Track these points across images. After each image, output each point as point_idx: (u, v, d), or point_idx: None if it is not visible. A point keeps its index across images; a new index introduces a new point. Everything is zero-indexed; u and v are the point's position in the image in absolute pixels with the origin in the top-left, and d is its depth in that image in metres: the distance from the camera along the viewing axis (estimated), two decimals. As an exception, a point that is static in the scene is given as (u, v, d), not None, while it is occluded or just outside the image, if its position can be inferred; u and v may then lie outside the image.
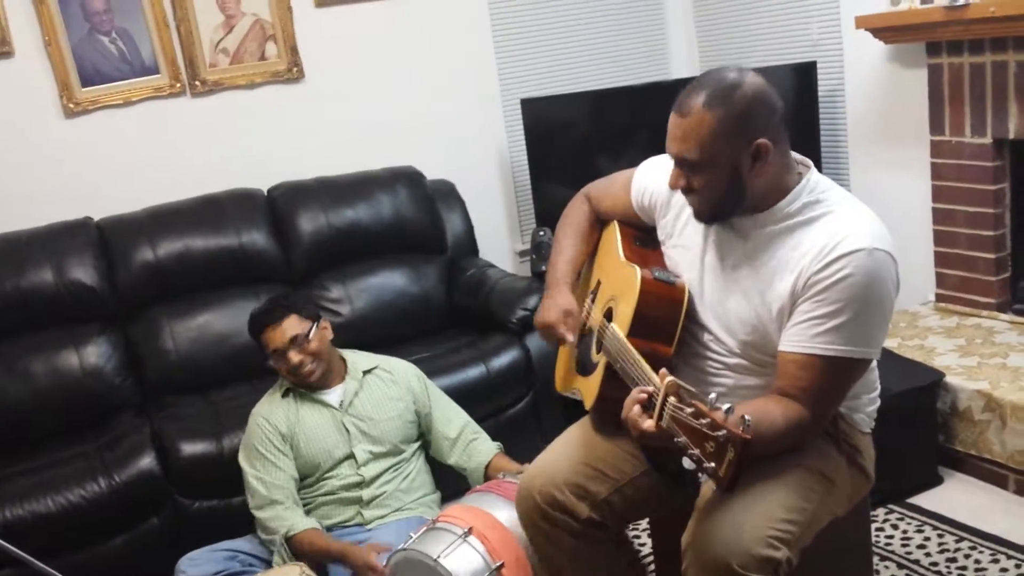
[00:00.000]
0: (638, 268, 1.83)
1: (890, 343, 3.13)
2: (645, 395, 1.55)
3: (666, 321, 1.79)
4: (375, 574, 2.28)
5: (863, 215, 1.70)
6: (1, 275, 3.04)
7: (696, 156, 1.67)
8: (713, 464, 1.39)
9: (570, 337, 1.96)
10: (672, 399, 1.48)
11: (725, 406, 1.40)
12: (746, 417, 1.38)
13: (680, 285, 1.83)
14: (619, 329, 1.79)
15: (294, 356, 2.52)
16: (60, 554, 2.54)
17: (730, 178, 1.68)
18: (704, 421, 1.40)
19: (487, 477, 2.62)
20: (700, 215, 1.78)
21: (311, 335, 2.55)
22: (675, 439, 1.45)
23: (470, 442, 2.69)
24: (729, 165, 1.67)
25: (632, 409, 1.56)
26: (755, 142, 1.66)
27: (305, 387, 2.59)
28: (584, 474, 1.89)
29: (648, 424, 1.52)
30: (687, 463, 1.45)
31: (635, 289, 1.80)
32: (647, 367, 1.63)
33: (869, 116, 3.62)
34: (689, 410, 1.43)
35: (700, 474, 1.44)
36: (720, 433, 1.37)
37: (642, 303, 1.78)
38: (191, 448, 2.78)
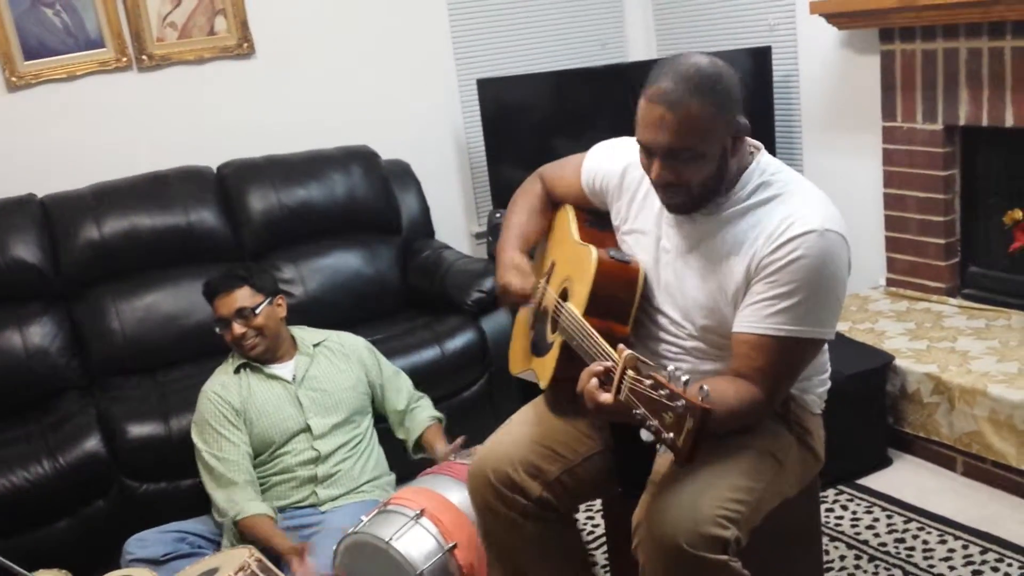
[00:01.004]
0: (593, 248, 1.82)
1: (841, 326, 3.17)
2: (602, 368, 1.54)
3: (622, 300, 1.79)
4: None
5: (814, 197, 1.70)
6: (-60, 252, 2.95)
7: (693, 145, 1.62)
8: (672, 435, 1.37)
9: (525, 299, 1.94)
10: (630, 372, 1.47)
11: (684, 378, 1.39)
12: (704, 387, 1.37)
13: (635, 264, 1.82)
14: (575, 308, 1.78)
15: (237, 327, 2.52)
16: (4, 536, 2.48)
17: (718, 161, 1.66)
18: (662, 392, 1.39)
19: (418, 447, 2.65)
20: (681, 207, 1.73)
21: (259, 310, 2.53)
22: (633, 411, 1.44)
23: (411, 410, 2.71)
24: (719, 147, 1.65)
25: (589, 382, 1.54)
26: (736, 121, 1.66)
27: (256, 361, 2.57)
28: (537, 453, 1.88)
29: (605, 397, 1.50)
30: (645, 435, 1.44)
31: (591, 269, 1.79)
32: (605, 343, 1.62)
33: (823, 101, 3.65)
34: (648, 382, 1.42)
35: (658, 446, 1.42)
36: (679, 403, 1.36)
37: (598, 282, 1.78)
38: (138, 430, 2.73)
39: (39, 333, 3.01)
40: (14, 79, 3.26)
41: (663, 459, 1.77)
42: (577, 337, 1.73)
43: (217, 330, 2.56)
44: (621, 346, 1.52)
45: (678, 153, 1.64)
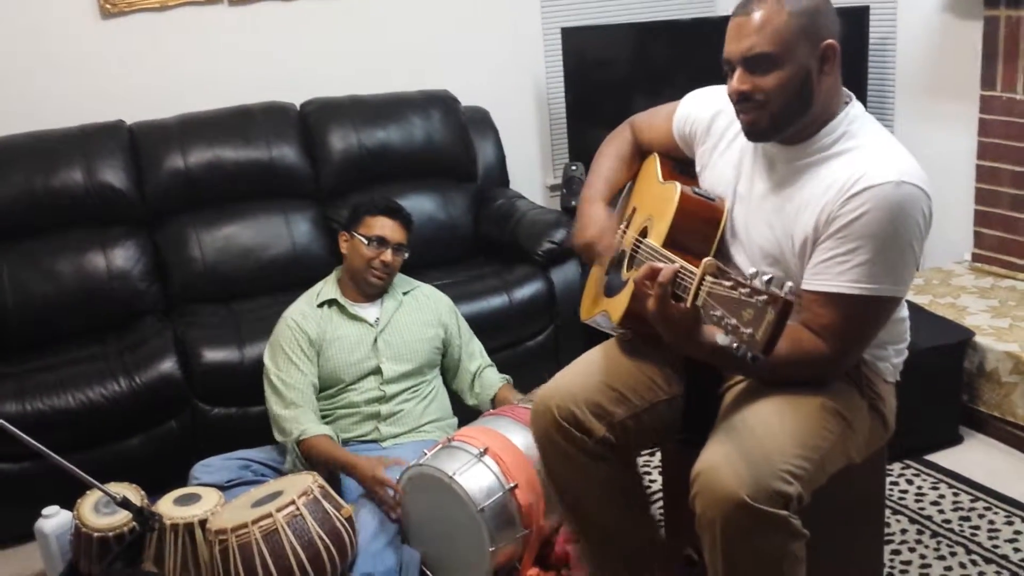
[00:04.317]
0: (677, 183, 1.81)
1: (921, 299, 3.09)
2: (669, 269, 1.51)
3: (702, 237, 1.77)
4: (381, 487, 2.31)
5: (892, 150, 1.65)
6: (32, 173, 3.03)
7: (771, 49, 1.60)
8: (750, 329, 1.35)
9: (607, 254, 1.93)
10: (709, 278, 1.44)
11: (766, 277, 1.36)
12: (787, 283, 1.35)
13: (719, 203, 1.80)
14: (654, 241, 1.77)
15: (388, 255, 2.62)
16: (79, 449, 2.56)
17: (801, 81, 1.63)
18: (743, 291, 1.37)
19: (492, 407, 2.66)
20: (756, 126, 1.68)
21: (406, 254, 2.68)
22: (711, 313, 1.42)
23: (481, 372, 2.74)
24: (801, 65, 1.62)
25: (647, 275, 1.52)
26: (824, 42, 1.63)
27: (369, 291, 2.65)
28: (604, 394, 1.87)
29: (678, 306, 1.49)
30: (721, 339, 1.42)
31: (673, 203, 1.77)
32: (683, 260, 1.59)
33: (919, 66, 3.52)
34: (728, 283, 1.40)
35: (737, 347, 1.40)
36: (760, 298, 1.34)
37: (679, 217, 1.76)
38: (212, 355, 2.80)
39: (122, 256, 3.09)
40: (108, 6, 3.32)
41: (726, 411, 1.75)
42: (655, 262, 1.70)
43: (366, 243, 2.62)
44: (707, 258, 1.48)
45: (755, 61, 1.62)
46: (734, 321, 1.38)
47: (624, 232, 2.00)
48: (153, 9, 3.39)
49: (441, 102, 3.60)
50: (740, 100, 1.67)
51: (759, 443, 1.61)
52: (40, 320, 2.96)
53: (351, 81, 3.59)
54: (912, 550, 2.37)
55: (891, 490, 2.61)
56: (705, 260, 1.46)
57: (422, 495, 2.24)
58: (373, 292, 2.66)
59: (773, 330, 1.33)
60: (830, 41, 1.64)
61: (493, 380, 2.72)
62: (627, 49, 3.87)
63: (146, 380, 2.71)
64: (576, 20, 4.00)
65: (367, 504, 2.34)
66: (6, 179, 3.00)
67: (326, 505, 2.19)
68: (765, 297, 1.33)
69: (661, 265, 1.53)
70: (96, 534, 2.24)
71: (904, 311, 1.83)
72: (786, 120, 1.66)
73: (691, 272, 1.49)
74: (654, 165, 2.00)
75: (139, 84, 3.41)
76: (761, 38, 1.60)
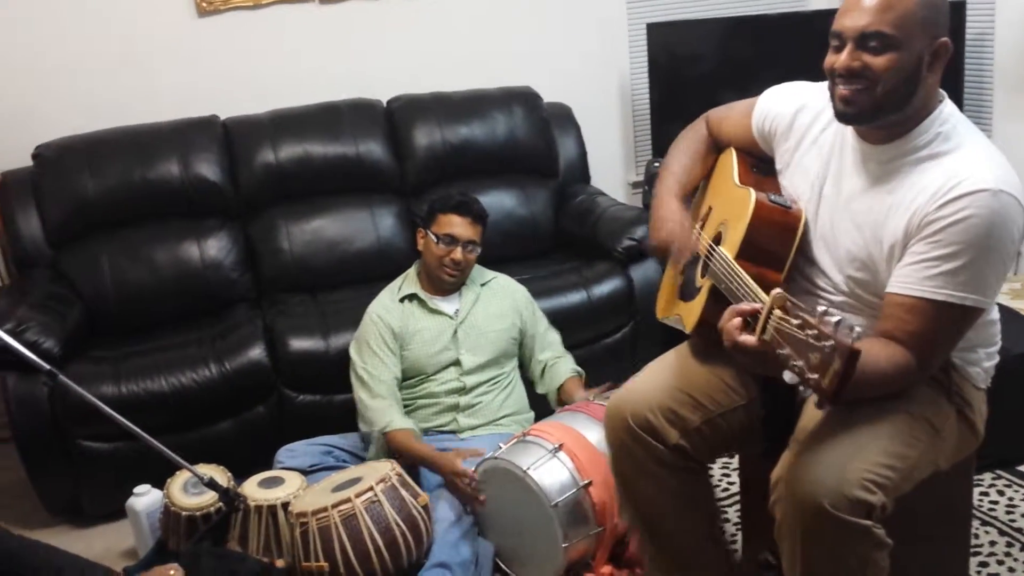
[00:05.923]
0: (752, 190, 1.77)
1: (1018, 304, 2.98)
2: (749, 308, 1.48)
3: (778, 247, 1.73)
4: (461, 479, 2.34)
5: (991, 155, 1.60)
6: (131, 166, 3.16)
7: (892, 31, 1.56)
8: (816, 375, 1.32)
9: (683, 255, 1.91)
10: (778, 312, 1.41)
11: (835, 318, 1.32)
12: (856, 328, 1.31)
13: (796, 211, 1.76)
14: (727, 251, 1.74)
15: (458, 253, 2.64)
16: (170, 432, 2.65)
17: (911, 70, 1.59)
18: (811, 332, 1.33)
19: (560, 401, 2.68)
20: (856, 106, 1.62)
21: (477, 251, 2.70)
22: (778, 351, 1.39)
23: (552, 363, 2.75)
24: (915, 55, 1.58)
25: (731, 320, 1.50)
26: (940, 39, 1.59)
27: (442, 285, 2.69)
28: (678, 400, 1.86)
29: (746, 338, 1.46)
30: (788, 377, 1.39)
31: (748, 212, 1.74)
32: (754, 284, 1.58)
33: (1018, 62, 3.40)
34: (795, 322, 1.37)
35: (802, 388, 1.38)
36: (827, 343, 1.30)
37: (754, 226, 1.73)
38: (300, 344, 2.87)
39: (215, 247, 3.20)
40: (204, 4, 3.44)
41: (808, 417, 1.73)
42: (726, 280, 1.69)
43: (437, 242, 2.65)
44: (776, 291, 1.45)
45: (871, 38, 1.57)
46: (801, 363, 1.34)
47: (699, 233, 1.98)
48: (247, 7, 3.49)
49: (523, 98, 3.63)
50: (847, 76, 1.61)
51: (842, 450, 1.58)
52: (137, 307, 3.09)
53: (436, 78, 3.64)
54: (1000, 563, 2.29)
55: (981, 501, 2.53)
56: (774, 293, 1.42)
57: (496, 488, 2.27)
58: (447, 288, 2.70)
59: (840, 380, 1.29)
60: (946, 39, 1.60)
61: (561, 372, 2.73)
62: (714, 45, 3.82)
63: (236, 366, 2.80)
64: (662, 15, 3.97)
65: (445, 495, 2.38)
66: (107, 172, 3.13)
67: (403, 493, 2.23)
68: (832, 343, 1.29)
69: (746, 307, 1.50)
70: (184, 513, 2.34)
71: (995, 313, 1.77)
72: (888, 106, 1.61)
73: (762, 303, 1.46)
74: (731, 161, 1.97)
75: (233, 80, 3.51)
76: (884, 18, 1.56)
